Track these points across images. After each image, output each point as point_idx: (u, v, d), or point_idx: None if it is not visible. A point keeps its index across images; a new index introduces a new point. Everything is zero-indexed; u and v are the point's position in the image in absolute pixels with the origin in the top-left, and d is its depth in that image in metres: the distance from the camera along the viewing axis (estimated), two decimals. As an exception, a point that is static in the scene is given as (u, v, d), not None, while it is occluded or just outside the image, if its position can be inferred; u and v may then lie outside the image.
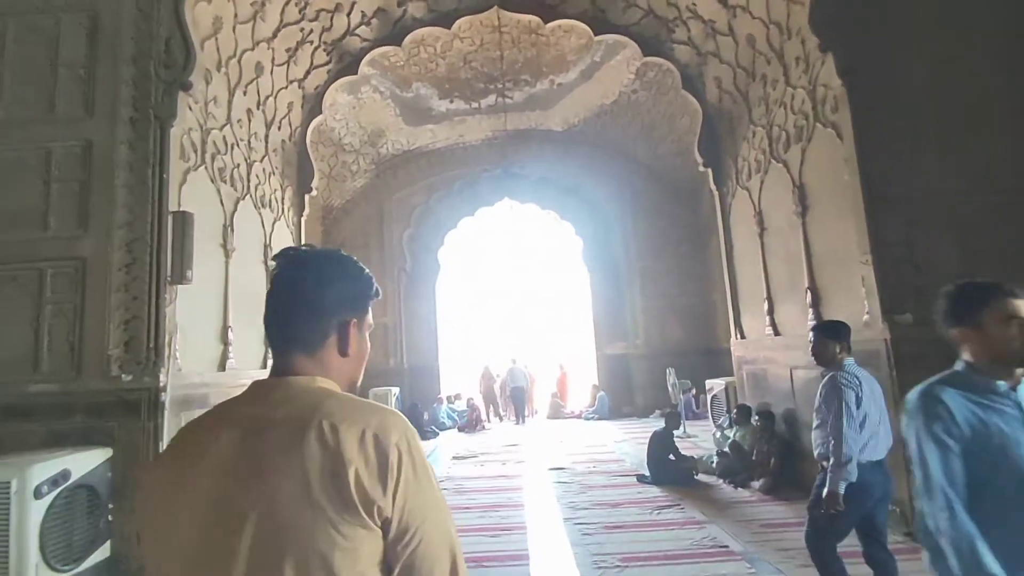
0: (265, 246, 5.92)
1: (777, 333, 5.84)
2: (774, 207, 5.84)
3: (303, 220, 7.01)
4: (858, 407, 2.80)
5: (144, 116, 4.25)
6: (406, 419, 0.90)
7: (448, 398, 13.24)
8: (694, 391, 11.21)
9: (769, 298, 6.04)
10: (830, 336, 3.00)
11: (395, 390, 11.83)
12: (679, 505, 5.06)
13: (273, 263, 1.00)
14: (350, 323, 0.98)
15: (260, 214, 5.85)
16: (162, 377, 4.00)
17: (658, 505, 5.07)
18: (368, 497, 0.78)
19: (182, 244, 4.22)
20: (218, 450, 0.83)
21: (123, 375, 3.97)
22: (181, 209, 4.33)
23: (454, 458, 7.98)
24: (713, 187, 7.41)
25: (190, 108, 4.62)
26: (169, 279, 4.15)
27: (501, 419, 13.79)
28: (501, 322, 20.22)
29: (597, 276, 13.26)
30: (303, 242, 6.96)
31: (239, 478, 0.80)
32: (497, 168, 13.44)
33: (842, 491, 2.74)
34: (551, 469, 6.91)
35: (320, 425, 0.81)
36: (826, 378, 2.95)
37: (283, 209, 6.40)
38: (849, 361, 2.95)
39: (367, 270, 1.05)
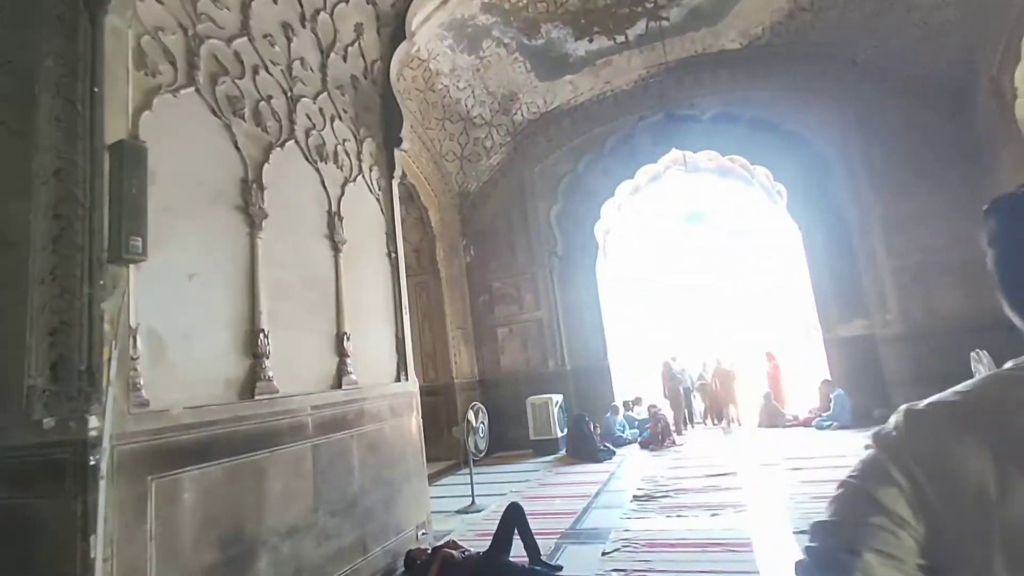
0: (330, 215, 4.20)
1: None
2: None
3: (395, 184, 5.21)
4: None
5: (72, 8, 2.66)
6: None
7: (626, 404, 10.81)
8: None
9: None
10: None
11: (557, 398, 9.77)
12: None
13: (995, 211, 0.78)
14: None
15: (318, 170, 4.14)
16: (94, 420, 2.31)
17: None
18: None
19: (121, 195, 2.52)
20: None
21: (46, 418, 2.36)
22: (129, 139, 2.65)
23: (635, 498, 5.58)
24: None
25: (158, -2, 2.98)
26: (106, 255, 2.48)
27: (691, 425, 10.96)
28: (686, 307, 17.10)
29: (814, 233, 9.74)
30: (395, 216, 5.21)
31: None
32: (657, 113, 10.69)
33: None
34: (798, 533, 4.14)
35: None
36: None
37: (359, 167, 4.66)
38: None
39: None
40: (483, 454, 6.19)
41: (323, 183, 4.18)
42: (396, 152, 5.18)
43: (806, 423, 9.36)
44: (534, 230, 11.24)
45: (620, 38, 10.08)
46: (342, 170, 4.42)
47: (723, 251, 16.27)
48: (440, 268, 10.52)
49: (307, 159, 4.05)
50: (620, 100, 10.84)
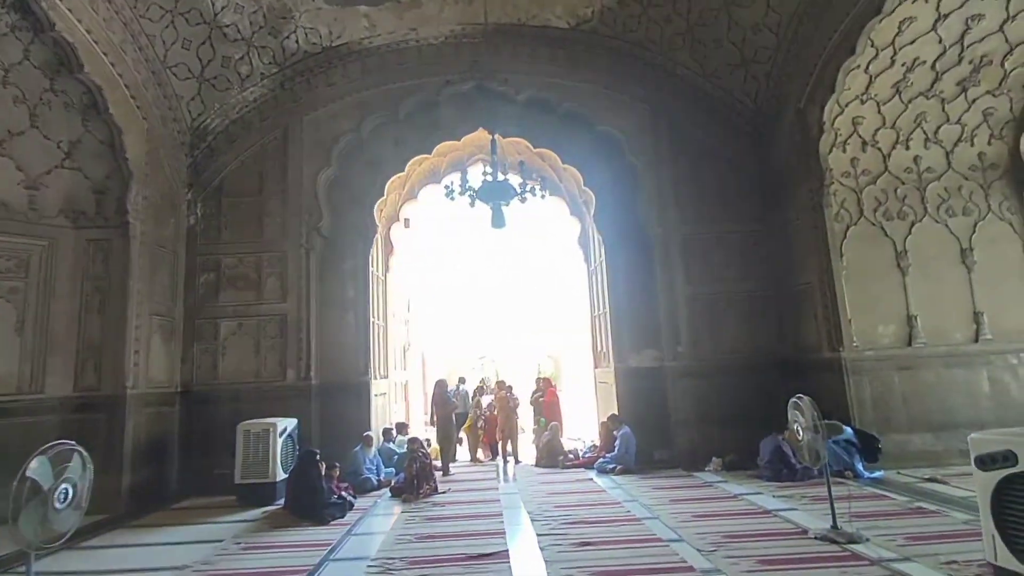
0: None
1: None
2: None
3: None
4: None
5: None
6: None
7: (387, 432, 8.53)
8: (785, 435, 6.78)
9: None
10: None
11: (287, 424, 7.06)
12: None
13: None
14: None
15: None
16: None
17: None
18: None
19: None
20: None
21: None
22: None
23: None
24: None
25: None
26: None
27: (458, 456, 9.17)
28: (475, 319, 15.49)
29: (618, 249, 8.76)
30: None
31: None
32: (468, 81, 8.90)
33: None
34: None
35: None
36: None
37: None
38: None
39: None
40: (66, 537, 3.29)
41: None
42: None
43: (588, 463, 8.14)
44: (293, 197, 8.47)
45: (434, -24, 8.09)
46: None
47: (518, 263, 15.25)
48: (134, 223, 7.12)
49: None
50: (425, 56, 8.79)
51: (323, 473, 6.09)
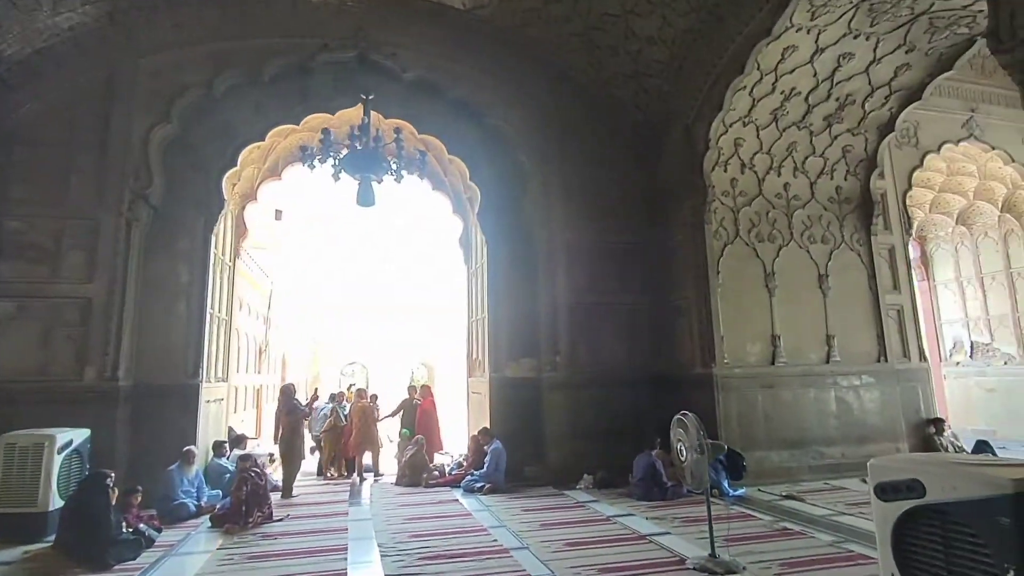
0: None
1: None
2: None
3: None
4: None
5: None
6: None
7: (218, 446, 7.18)
8: (656, 452, 6.63)
9: None
10: None
11: (71, 437, 5.54)
12: None
13: None
14: None
15: None
16: None
17: None
18: None
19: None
20: None
21: None
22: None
23: None
24: None
25: None
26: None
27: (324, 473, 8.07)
28: (345, 319, 14.07)
29: (500, 251, 8.23)
30: None
31: None
32: (349, 50, 7.92)
33: None
34: None
35: None
36: None
37: None
38: None
39: None
40: None
41: None
42: None
43: (454, 481, 7.44)
44: (115, 154, 6.91)
45: (317, -78, 7.07)
46: None
47: (393, 264, 14.25)
48: None
49: None
50: (300, 14, 7.67)
51: (114, 501, 4.75)
